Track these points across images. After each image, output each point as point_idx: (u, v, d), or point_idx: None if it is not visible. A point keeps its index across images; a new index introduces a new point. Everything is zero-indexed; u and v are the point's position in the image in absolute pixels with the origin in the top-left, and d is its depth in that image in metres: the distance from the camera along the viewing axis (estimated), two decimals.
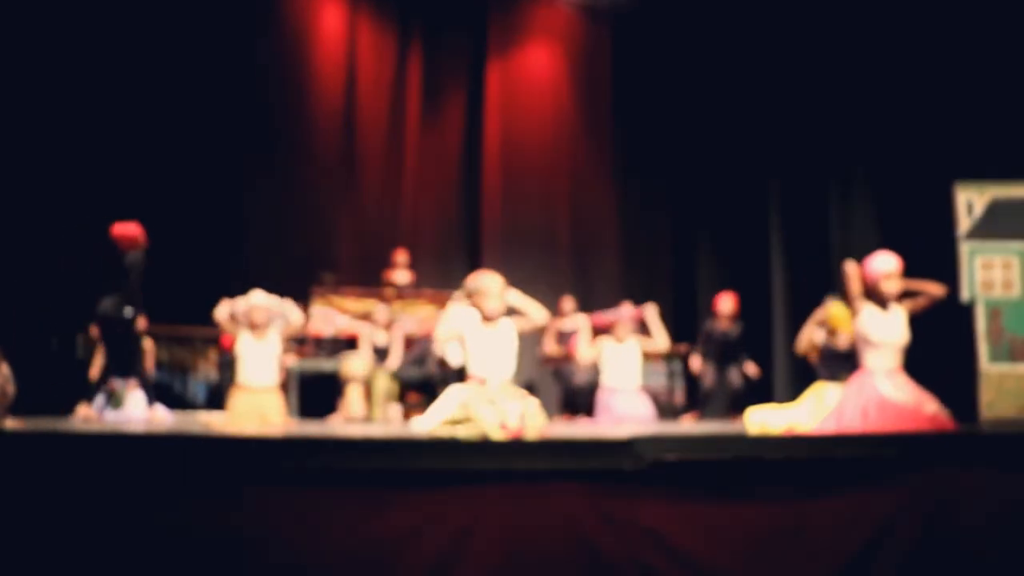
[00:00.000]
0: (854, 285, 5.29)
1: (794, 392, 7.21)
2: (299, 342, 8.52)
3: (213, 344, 8.26)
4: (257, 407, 6.44)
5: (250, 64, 9.76)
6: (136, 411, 6.65)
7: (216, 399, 7.86)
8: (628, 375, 7.36)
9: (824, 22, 9.06)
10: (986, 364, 6.24)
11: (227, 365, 7.55)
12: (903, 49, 8.39)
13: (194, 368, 8.22)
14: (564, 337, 8.84)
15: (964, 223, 6.42)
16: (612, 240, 10.61)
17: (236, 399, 6.56)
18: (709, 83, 10.12)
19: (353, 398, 7.87)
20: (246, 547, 3.59)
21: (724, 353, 8.24)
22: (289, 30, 10.22)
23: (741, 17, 9.74)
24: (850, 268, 5.35)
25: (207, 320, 8.00)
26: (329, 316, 8.49)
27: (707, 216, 10.10)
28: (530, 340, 8.30)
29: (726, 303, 8.34)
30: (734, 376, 8.16)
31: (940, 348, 6.15)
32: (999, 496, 4.19)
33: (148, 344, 7.08)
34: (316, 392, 7.95)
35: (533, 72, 10.96)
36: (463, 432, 4.65)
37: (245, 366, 6.55)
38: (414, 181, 10.56)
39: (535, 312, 5.15)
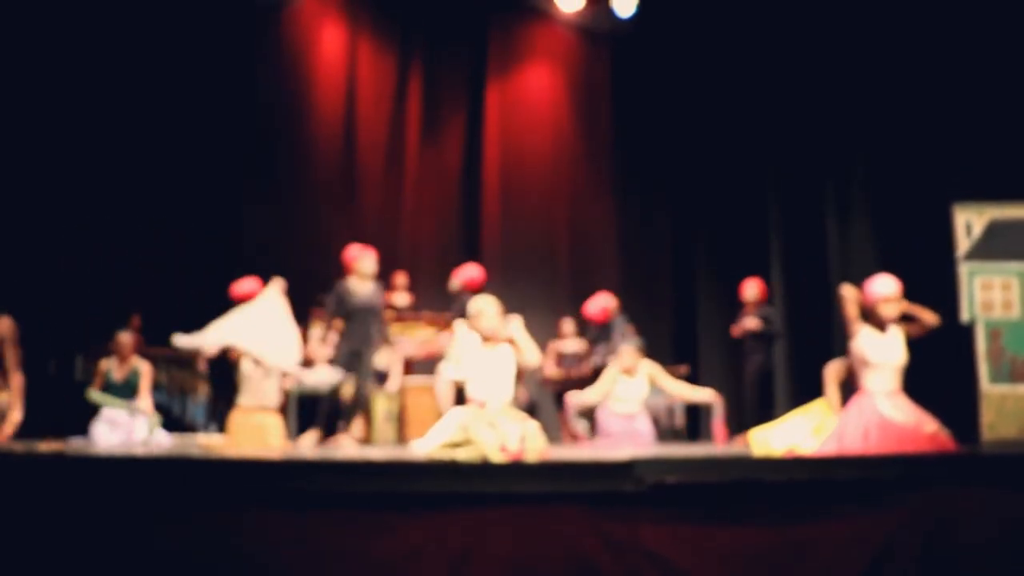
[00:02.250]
0: (851, 308, 5.30)
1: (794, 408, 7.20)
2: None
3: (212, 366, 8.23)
4: (257, 429, 6.44)
5: (250, 83, 9.79)
6: (137, 434, 6.65)
7: (215, 421, 7.84)
8: (631, 398, 7.34)
9: (821, 45, 9.10)
10: (987, 385, 6.24)
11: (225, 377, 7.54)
12: (901, 71, 8.43)
13: (193, 390, 8.19)
14: (564, 359, 8.83)
15: (963, 244, 6.44)
16: (612, 261, 10.61)
17: (236, 421, 6.55)
18: (707, 105, 10.16)
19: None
20: (248, 570, 3.58)
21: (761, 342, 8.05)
22: (289, 49, 10.26)
23: (738, 42, 9.80)
24: (847, 292, 5.36)
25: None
26: (328, 338, 8.47)
27: (707, 237, 10.12)
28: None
29: (751, 288, 8.16)
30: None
31: (940, 369, 6.15)
32: (1000, 516, 4.19)
33: (145, 367, 7.07)
34: (315, 414, 7.93)
35: (533, 93, 11.00)
36: (463, 455, 4.64)
37: (245, 388, 6.56)
38: (413, 202, 10.58)
39: (529, 352, 5.15)
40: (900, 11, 8.42)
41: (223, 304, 7.85)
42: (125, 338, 7.07)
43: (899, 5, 8.42)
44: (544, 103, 10.95)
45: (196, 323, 8.12)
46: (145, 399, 7.03)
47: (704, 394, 7.51)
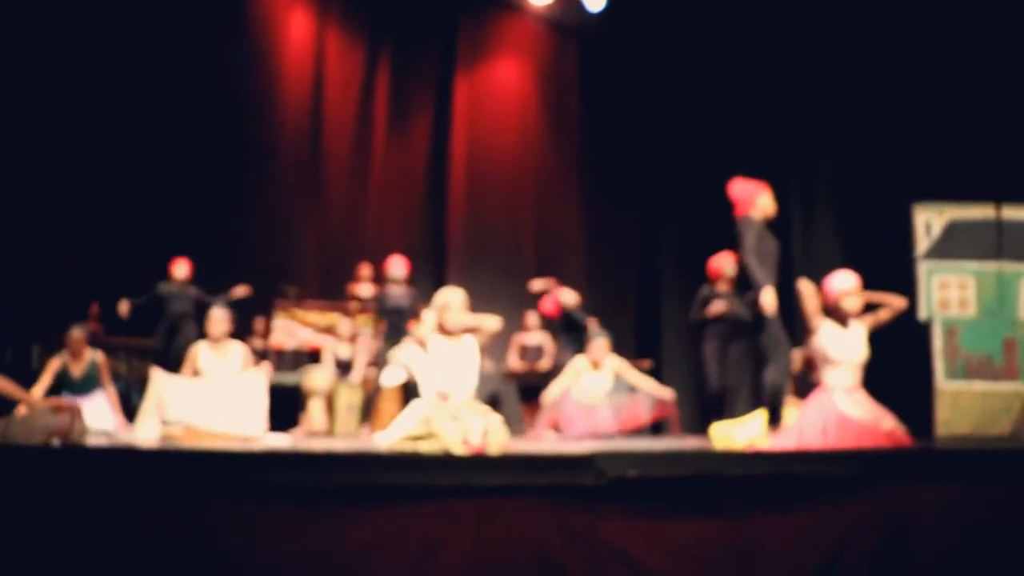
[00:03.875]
0: (809, 303, 5.36)
1: (755, 407, 7.25)
2: (261, 355, 8.46)
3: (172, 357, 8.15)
4: None
5: (215, 71, 9.68)
6: (100, 424, 6.56)
7: None
8: (596, 391, 7.37)
9: (789, 44, 9.16)
10: (942, 382, 6.33)
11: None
12: (865, 72, 8.51)
13: None
14: (528, 352, 8.85)
15: (922, 243, 6.52)
16: (577, 254, 10.63)
17: None
18: (675, 100, 10.18)
19: (315, 412, 7.82)
20: (210, 563, 3.55)
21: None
22: (256, 37, 10.16)
23: (706, 38, 9.83)
24: (804, 287, 5.42)
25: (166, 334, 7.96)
26: (292, 329, 8.44)
27: (673, 233, 10.15)
28: (493, 354, 8.31)
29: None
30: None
31: (898, 366, 6.23)
32: (954, 510, 4.26)
33: (100, 357, 6.95)
34: (278, 406, 7.88)
35: (501, 86, 10.98)
36: (426, 448, 4.64)
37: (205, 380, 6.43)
38: (379, 194, 10.54)
39: (487, 321, 5.17)
40: (866, 13, 8.49)
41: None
42: (77, 334, 6.87)
43: (864, 7, 8.50)
44: (512, 96, 10.94)
45: (156, 312, 8.07)
46: (109, 390, 6.94)
47: (665, 393, 7.53)
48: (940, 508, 4.25)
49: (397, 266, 7.86)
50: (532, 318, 9.01)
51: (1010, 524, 4.28)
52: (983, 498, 4.31)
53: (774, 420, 5.91)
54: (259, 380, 6.21)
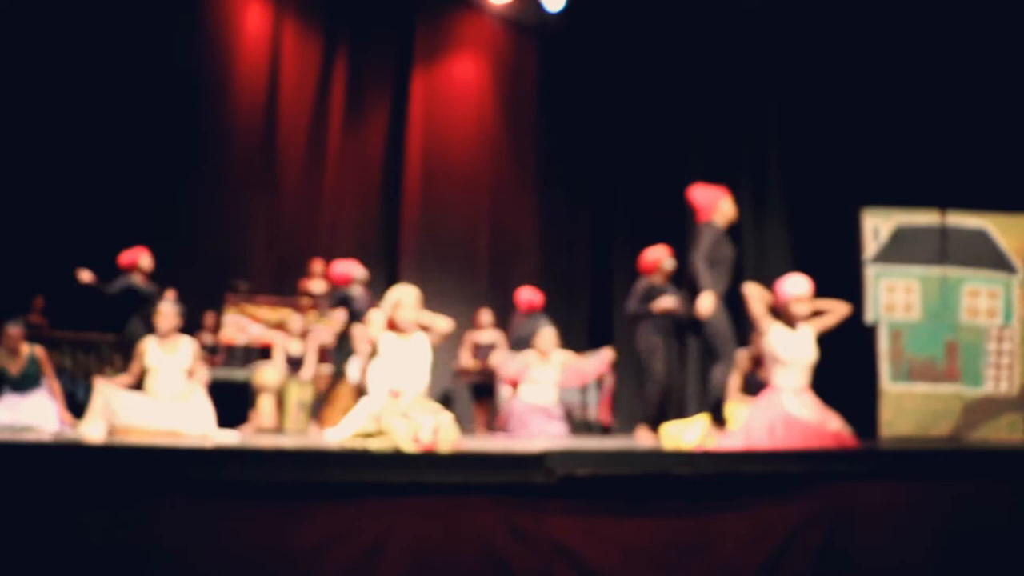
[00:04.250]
0: (756, 306, 5.44)
1: (706, 408, 7.32)
2: (211, 351, 8.37)
3: (120, 350, 8.02)
4: None
5: (169, 61, 9.56)
6: (43, 421, 6.44)
7: None
8: (545, 391, 7.39)
9: (741, 52, 9.26)
10: (887, 384, 6.43)
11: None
12: (816, 79, 8.63)
13: (100, 375, 7.98)
14: (480, 350, 8.85)
15: (870, 247, 6.62)
16: (531, 253, 10.65)
17: None
18: (631, 101, 10.25)
19: (265, 408, 7.75)
20: (156, 561, 3.51)
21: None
22: (212, 29, 10.04)
23: (663, 43, 9.91)
24: (750, 290, 5.51)
25: (114, 326, 7.81)
26: (242, 324, 8.35)
27: (626, 232, 10.20)
28: (446, 353, 8.30)
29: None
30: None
31: (845, 368, 6.33)
32: (896, 508, 4.35)
33: (40, 351, 6.79)
34: (227, 402, 7.80)
35: (458, 83, 10.96)
36: (375, 445, 4.62)
37: (154, 377, 6.30)
38: (334, 189, 10.47)
39: (439, 323, 5.18)
40: (818, 21, 8.61)
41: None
42: (12, 331, 6.64)
43: (817, 16, 8.61)
44: (469, 94, 10.92)
45: (103, 305, 7.94)
46: (52, 385, 6.80)
47: (605, 353, 7.66)
48: (882, 505, 4.34)
49: (358, 268, 7.80)
50: (485, 316, 9.01)
51: (949, 520, 4.38)
52: (923, 496, 4.41)
53: (717, 419, 6.00)
54: (199, 390, 6.16)
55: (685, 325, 6.45)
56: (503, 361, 7.64)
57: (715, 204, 6.30)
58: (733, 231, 9.02)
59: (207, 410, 6.11)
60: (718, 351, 5.91)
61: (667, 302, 6.74)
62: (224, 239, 9.70)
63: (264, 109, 10.28)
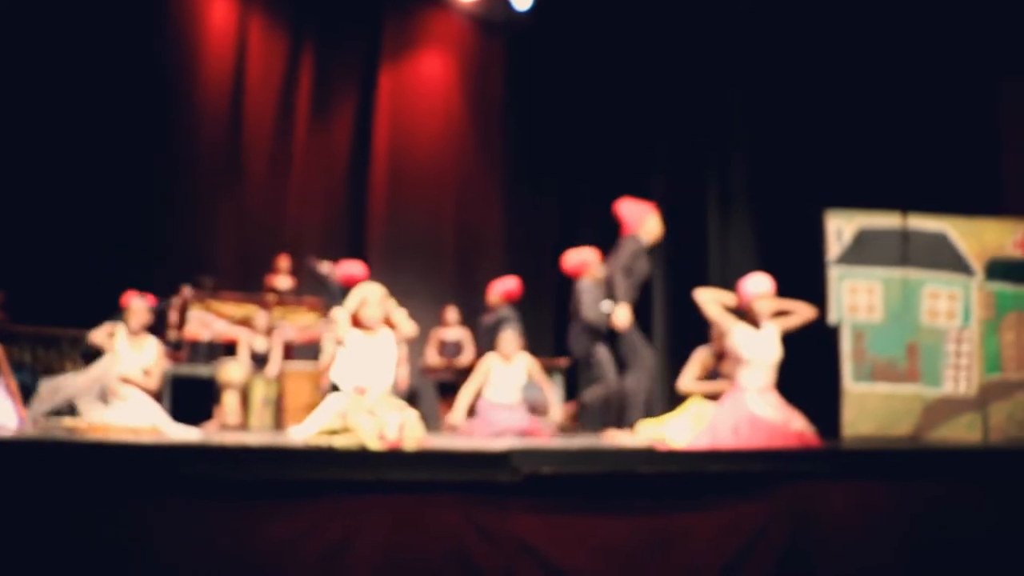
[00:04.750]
0: (710, 309, 5.49)
1: (670, 405, 7.36)
2: (175, 346, 8.29)
3: (80, 345, 7.91)
4: None
5: (133, 55, 9.44)
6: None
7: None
8: (510, 389, 7.38)
9: (708, 55, 9.32)
10: (849, 384, 6.50)
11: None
12: (783, 81, 8.71)
13: (60, 371, 7.87)
14: (446, 347, 8.84)
15: (834, 249, 6.68)
16: (497, 251, 10.65)
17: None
18: (598, 101, 10.28)
19: (230, 405, 7.68)
20: (118, 560, 3.47)
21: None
22: (176, 24, 9.93)
23: (630, 42, 9.94)
24: (700, 295, 5.55)
25: (76, 320, 7.71)
26: (207, 320, 8.27)
27: (592, 231, 10.20)
28: (412, 350, 8.28)
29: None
30: None
31: (808, 368, 6.40)
32: (858, 507, 4.41)
33: None
34: (191, 398, 7.73)
35: (425, 80, 10.94)
36: (341, 442, 4.61)
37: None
38: (299, 185, 10.40)
39: (405, 325, 5.18)
40: (784, 27, 8.69)
41: (97, 282, 7.59)
42: None
43: (783, 22, 8.69)
44: (436, 91, 10.90)
45: (65, 300, 7.84)
46: (9, 381, 6.68)
47: (556, 411, 7.51)
48: (845, 505, 4.40)
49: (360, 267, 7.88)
50: (451, 313, 8.99)
51: (909, 518, 4.45)
52: (885, 495, 4.48)
53: (622, 425, 6.05)
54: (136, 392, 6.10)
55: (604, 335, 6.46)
56: (463, 420, 7.39)
57: (642, 220, 6.42)
58: (699, 233, 9.14)
59: (153, 408, 6.05)
60: (630, 361, 5.99)
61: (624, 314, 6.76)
62: (190, 235, 9.61)
63: (230, 105, 10.19)
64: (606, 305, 6.62)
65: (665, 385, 8.83)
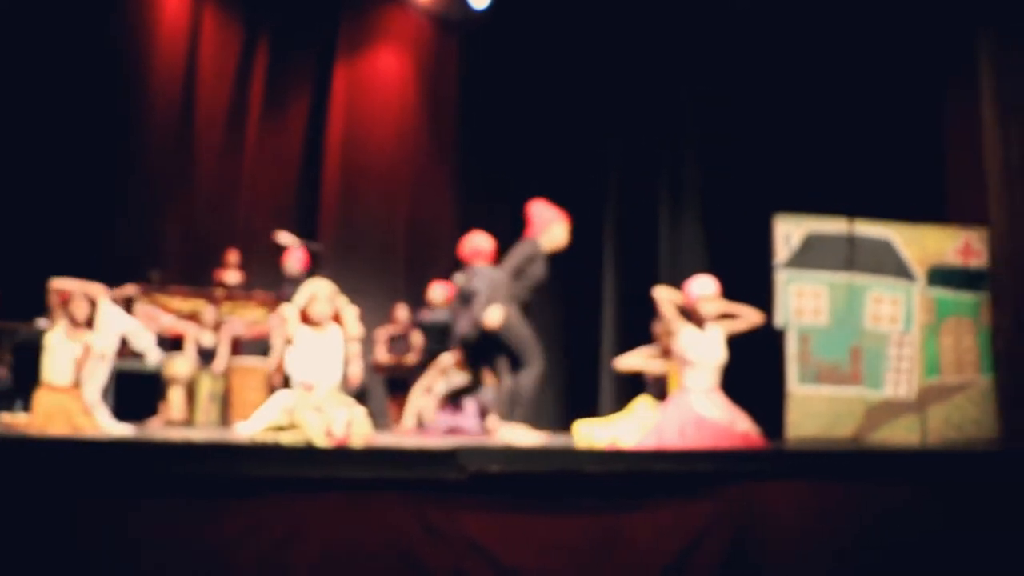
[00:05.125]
0: (666, 308, 5.55)
1: (619, 405, 7.42)
2: (121, 340, 8.15)
3: (13, 337, 7.72)
4: (64, 409, 5.99)
5: (83, 46, 9.27)
6: None
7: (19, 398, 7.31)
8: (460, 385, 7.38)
9: (661, 59, 9.40)
10: (794, 386, 6.60)
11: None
12: (735, 93, 8.80)
13: None
14: (396, 344, 8.81)
15: (782, 253, 6.77)
16: (449, 249, 10.60)
17: (41, 400, 6.07)
18: (552, 99, 10.29)
19: (175, 401, 7.59)
20: (58, 560, 3.41)
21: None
22: (128, 14, 9.75)
23: (586, 42, 9.99)
24: (659, 293, 5.62)
25: (13, 314, 7.57)
26: (153, 314, 8.15)
27: None
28: (361, 347, 8.22)
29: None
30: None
31: (755, 370, 6.49)
32: (801, 506, 4.48)
33: None
34: (136, 393, 7.62)
35: (380, 77, 10.87)
36: (287, 439, 4.58)
37: (52, 363, 6.08)
38: (251, 180, 10.27)
39: (352, 326, 5.16)
40: (737, 33, 8.79)
41: (38, 275, 7.43)
42: None
43: (736, 27, 8.79)
44: (392, 89, 10.85)
45: (9, 295, 7.68)
46: None
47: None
48: (788, 505, 4.46)
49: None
50: (401, 311, 8.96)
51: (852, 518, 4.53)
52: (828, 496, 4.55)
53: (510, 419, 5.90)
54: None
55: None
56: (432, 416, 7.37)
57: (548, 225, 6.20)
58: (649, 228, 9.20)
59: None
60: (523, 359, 5.74)
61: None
62: (137, 228, 9.45)
63: (181, 97, 10.03)
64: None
65: (613, 383, 8.90)
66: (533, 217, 6.19)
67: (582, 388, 9.27)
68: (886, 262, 6.82)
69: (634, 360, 6.41)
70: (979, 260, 6.92)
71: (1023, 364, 6.78)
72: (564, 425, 7.57)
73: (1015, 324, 6.81)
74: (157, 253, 9.41)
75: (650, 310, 6.37)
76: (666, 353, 6.20)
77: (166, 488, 3.57)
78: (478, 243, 6.71)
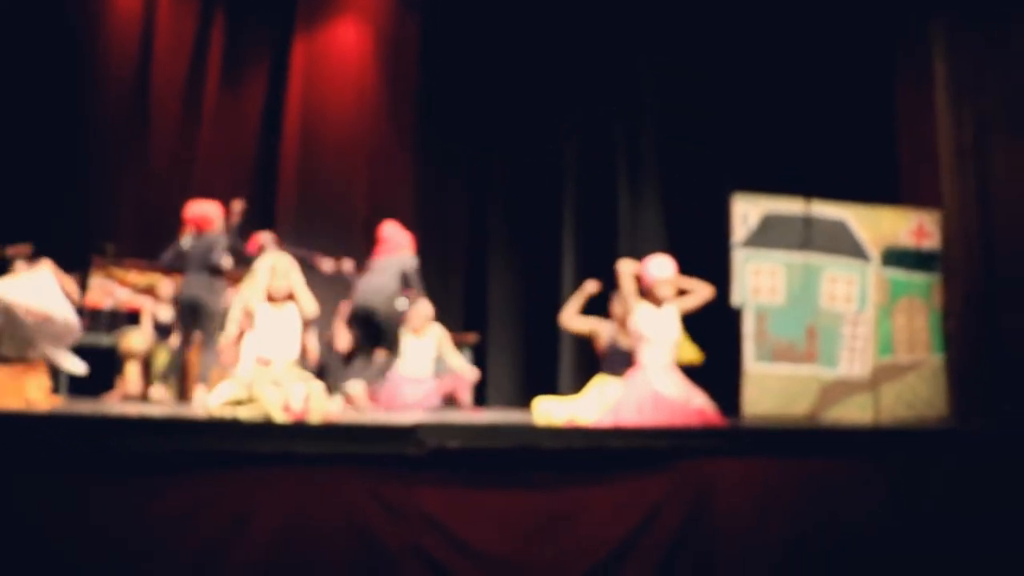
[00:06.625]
0: (627, 283, 5.57)
1: (579, 384, 7.45)
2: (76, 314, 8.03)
3: None
4: (16, 383, 5.89)
5: (35, 15, 9.08)
6: None
7: None
8: (421, 364, 7.39)
9: (621, 37, 9.40)
10: (751, 364, 6.68)
11: None
12: (698, 63, 8.84)
13: None
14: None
15: (740, 231, 6.83)
16: (407, 224, 10.52)
17: None
18: (512, 77, 10.25)
19: (131, 375, 7.51)
20: (9, 536, 3.37)
21: None
22: None
23: (546, 17, 9.95)
24: (623, 267, 5.63)
25: None
26: (109, 288, 8.05)
27: (503, 207, 10.23)
28: (319, 322, 8.18)
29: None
30: None
31: (712, 348, 6.55)
32: (755, 483, 4.54)
33: None
34: (92, 368, 7.52)
35: (340, 50, 10.74)
36: (245, 413, 4.56)
37: (3, 338, 5.94)
38: (208, 153, 10.12)
39: (307, 305, 5.14)
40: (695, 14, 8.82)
41: None
42: None
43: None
44: (351, 60, 10.72)
45: None
46: None
47: (469, 373, 7.60)
48: (743, 481, 4.52)
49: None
50: None
51: (804, 495, 4.60)
52: (782, 472, 4.62)
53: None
54: None
55: None
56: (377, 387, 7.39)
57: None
58: (609, 205, 9.23)
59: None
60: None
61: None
62: (91, 199, 9.30)
63: (136, 67, 9.84)
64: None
65: (574, 359, 8.94)
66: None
67: (541, 365, 9.29)
68: (842, 242, 6.91)
69: (577, 320, 6.34)
70: (932, 242, 7.04)
71: (973, 344, 6.93)
72: (524, 402, 7.60)
73: (965, 305, 6.95)
74: (112, 226, 9.27)
75: (609, 287, 6.40)
76: (622, 327, 6.23)
77: (119, 464, 3.54)
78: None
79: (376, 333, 6.33)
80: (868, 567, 4.63)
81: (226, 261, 6.67)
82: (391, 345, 6.26)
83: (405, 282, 6.41)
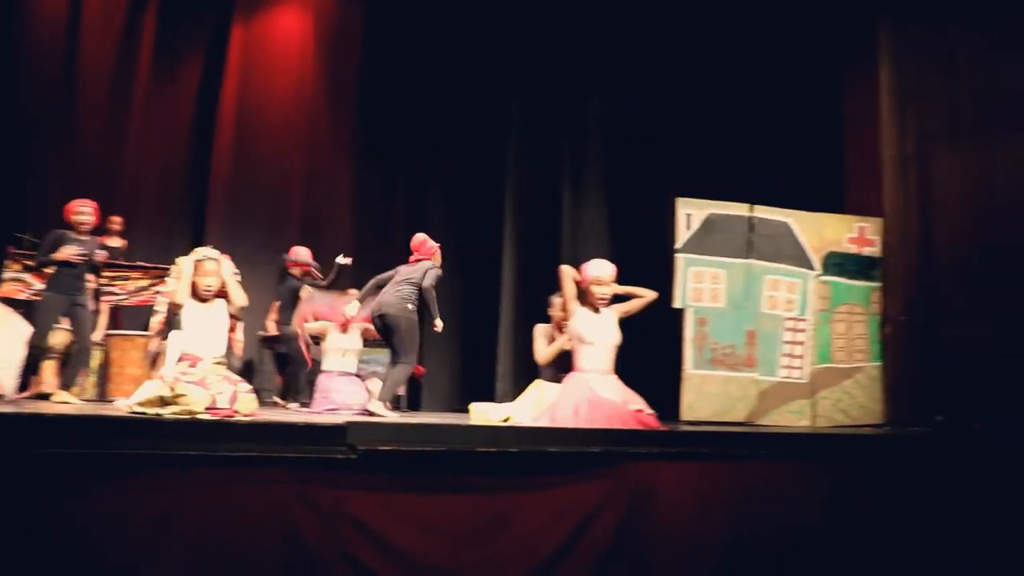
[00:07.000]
0: (569, 287, 5.51)
1: (516, 388, 7.36)
2: None
3: None
4: None
5: None
6: None
7: None
8: (348, 360, 7.21)
9: (569, 32, 9.35)
10: (690, 368, 6.66)
11: None
12: (645, 66, 8.83)
13: None
14: (285, 316, 8.53)
15: (682, 235, 6.81)
16: (345, 220, 10.33)
17: None
18: (455, 76, 10.13)
19: (48, 373, 7.20)
20: None
21: None
22: None
23: (489, 15, 9.85)
24: (565, 271, 5.58)
25: None
26: (25, 280, 7.72)
27: (443, 205, 10.09)
28: (250, 319, 7.96)
29: None
30: None
31: (651, 352, 6.51)
32: (691, 486, 4.50)
33: None
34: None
35: (279, 39, 10.48)
36: (170, 413, 4.39)
37: None
38: (138, 142, 9.78)
39: (237, 295, 4.99)
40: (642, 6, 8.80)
41: None
42: None
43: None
44: (290, 50, 10.47)
45: None
46: None
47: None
48: (680, 484, 4.48)
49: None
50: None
51: (741, 497, 4.57)
52: (719, 475, 4.59)
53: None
54: None
55: None
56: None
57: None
58: (549, 207, 9.15)
59: None
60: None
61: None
62: (10, 189, 8.92)
63: (63, 47, 9.46)
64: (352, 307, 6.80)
65: (512, 362, 8.83)
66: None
67: (479, 368, 9.18)
68: (784, 248, 6.92)
69: (550, 347, 6.30)
70: (873, 249, 7.10)
71: (909, 352, 6.99)
72: (460, 406, 7.48)
73: (904, 312, 7.01)
74: (32, 215, 8.90)
75: (548, 289, 6.32)
76: (560, 331, 6.17)
77: (37, 466, 3.35)
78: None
79: (391, 340, 6.34)
80: (805, 569, 4.62)
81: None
82: (403, 352, 6.21)
83: (420, 292, 6.38)
